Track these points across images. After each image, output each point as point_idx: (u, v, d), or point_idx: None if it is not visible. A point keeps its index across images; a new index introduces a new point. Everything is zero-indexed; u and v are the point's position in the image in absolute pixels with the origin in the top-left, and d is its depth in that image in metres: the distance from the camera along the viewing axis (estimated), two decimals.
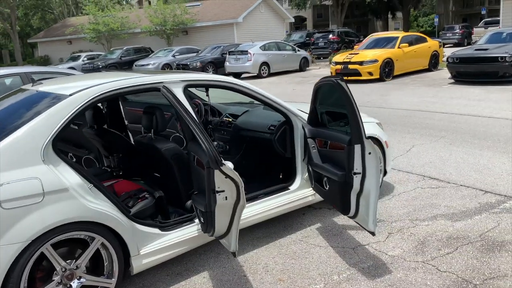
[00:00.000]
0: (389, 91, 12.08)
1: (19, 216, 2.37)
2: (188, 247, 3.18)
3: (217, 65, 20.09)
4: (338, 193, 3.23)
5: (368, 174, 3.01)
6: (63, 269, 2.58)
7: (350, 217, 3.29)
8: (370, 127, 4.37)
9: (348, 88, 3.04)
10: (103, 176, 3.64)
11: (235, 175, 2.45)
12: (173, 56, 23.01)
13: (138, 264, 2.90)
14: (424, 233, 3.72)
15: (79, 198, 2.56)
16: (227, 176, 2.43)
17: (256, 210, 3.61)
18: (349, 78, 14.39)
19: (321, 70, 19.80)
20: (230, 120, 4.36)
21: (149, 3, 27.86)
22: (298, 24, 56.66)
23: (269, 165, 4.23)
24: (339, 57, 15.18)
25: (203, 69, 19.80)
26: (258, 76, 18.40)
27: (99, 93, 2.83)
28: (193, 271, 3.29)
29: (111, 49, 27.28)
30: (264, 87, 14.96)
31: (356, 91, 12.54)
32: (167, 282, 3.16)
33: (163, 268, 3.32)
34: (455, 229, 3.76)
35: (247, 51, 18.26)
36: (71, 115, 2.69)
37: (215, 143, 4.41)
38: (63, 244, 2.62)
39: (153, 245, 2.98)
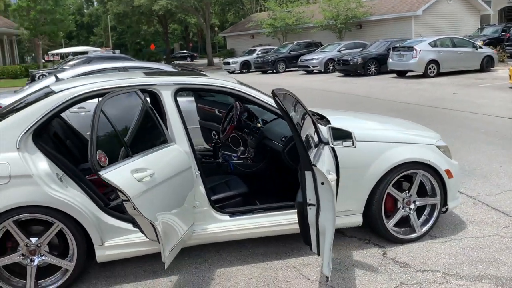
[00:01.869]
0: None
1: None
2: (158, 248, 3.29)
3: (380, 62, 19.24)
4: (299, 223, 2.91)
5: (322, 207, 2.62)
6: (27, 244, 3.03)
7: (317, 254, 2.91)
8: (423, 151, 3.74)
9: (283, 105, 2.67)
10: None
11: (116, 185, 2.45)
12: (339, 51, 22.96)
13: (101, 254, 3.16)
14: None
15: (41, 185, 2.94)
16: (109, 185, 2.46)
17: (251, 224, 3.49)
18: None
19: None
20: (259, 126, 4.27)
21: None
22: None
23: (286, 179, 4.01)
24: None
25: (364, 65, 19.24)
26: (424, 75, 16.93)
27: (82, 92, 3.18)
28: (167, 273, 3.40)
29: (283, 44, 28.69)
30: (422, 88, 13.85)
31: None
32: (138, 276, 3.36)
33: (145, 263, 3.52)
34: None
35: (412, 47, 16.96)
36: (52, 110, 3.09)
37: (242, 148, 4.40)
38: (33, 222, 3.07)
39: (122, 239, 3.20)
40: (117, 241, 3.20)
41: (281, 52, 26.81)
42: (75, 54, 23.72)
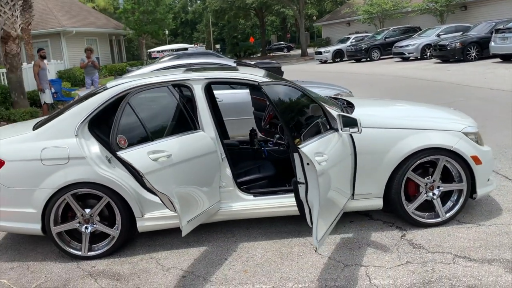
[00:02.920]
0: None
1: (52, 171, 3.69)
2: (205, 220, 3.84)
3: (482, 46, 17.98)
4: (296, 200, 3.27)
5: (310, 185, 2.97)
6: (82, 214, 3.82)
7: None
8: (446, 137, 3.85)
9: (268, 93, 3.01)
10: None
11: (130, 162, 3.04)
12: (438, 35, 21.88)
13: (141, 224, 3.85)
14: (448, 273, 3.20)
15: (92, 165, 3.69)
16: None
17: (273, 204, 3.91)
18: None
19: None
20: None
21: None
22: None
23: None
24: None
25: (463, 50, 18.18)
26: None
27: (126, 88, 3.84)
28: (198, 243, 3.99)
29: (378, 30, 27.99)
30: None
31: None
32: (174, 246, 3.99)
33: (179, 233, 4.14)
34: (495, 281, 3.07)
35: None
36: (103, 103, 3.81)
37: (277, 135, 4.81)
38: (87, 197, 3.85)
39: (159, 213, 3.83)
40: (155, 214, 3.85)
41: (376, 39, 26.27)
42: (176, 50, 26.05)
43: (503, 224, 3.89)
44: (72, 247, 3.89)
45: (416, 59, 22.01)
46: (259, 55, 51.48)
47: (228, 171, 3.90)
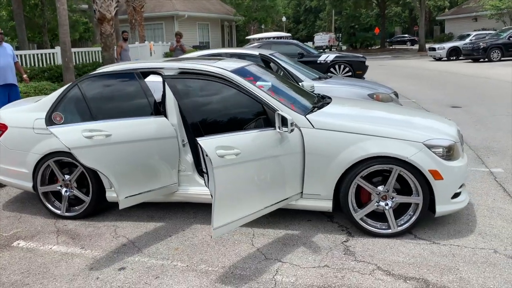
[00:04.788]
0: None
1: (40, 139, 4.41)
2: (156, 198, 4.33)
3: None
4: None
5: (209, 175, 3.20)
6: (63, 179, 4.50)
7: None
8: (402, 147, 3.75)
9: (174, 86, 3.24)
10: None
11: (56, 135, 3.56)
12: None
13: (109, 195, 4.40)
14: (355, 283, 3.23)
15: None
16: None
17: None
18: None
19: None
20: None
21: None
22: None
23: None
24: None
25: None
26: None
27: (98, 72, 4.37)
28: (159, 220, 4.44)
29: (503, 28, 25.56)
30: None
31: None
32: (139, 218, 4.49)
33: (149, 210, 4.64)
34: None
35: None
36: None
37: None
38: (73, 165, 4.52)
39: None
40: None
41: (499, 37, 24.05)
42: (274, 38, 26.78)
43: (459, 246, 3.72)
44: (55, 206, 4.61)
45: None
46: (377, 47, 49.99)
47: (189, 156, 4.28)
